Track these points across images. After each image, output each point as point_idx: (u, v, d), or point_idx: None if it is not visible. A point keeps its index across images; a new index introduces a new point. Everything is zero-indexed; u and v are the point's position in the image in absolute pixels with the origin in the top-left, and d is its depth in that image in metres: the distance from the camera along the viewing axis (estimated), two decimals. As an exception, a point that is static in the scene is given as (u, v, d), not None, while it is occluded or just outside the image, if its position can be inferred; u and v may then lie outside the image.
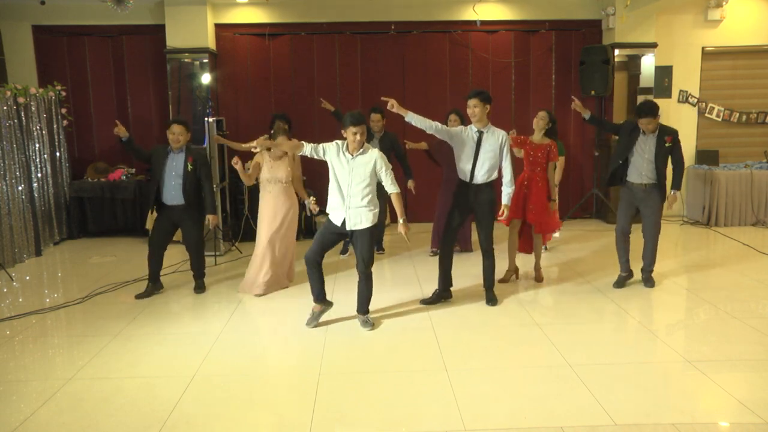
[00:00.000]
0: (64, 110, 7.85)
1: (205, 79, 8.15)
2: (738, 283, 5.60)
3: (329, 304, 4.71)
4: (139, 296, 5.39)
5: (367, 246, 4.48)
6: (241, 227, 7.44)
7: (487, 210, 4.87)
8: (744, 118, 8.69)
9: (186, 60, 8.12)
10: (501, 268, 5.85)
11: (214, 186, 6.77)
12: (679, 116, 8.66)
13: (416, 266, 6.30)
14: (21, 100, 6.94)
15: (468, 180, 4.80)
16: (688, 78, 8.60)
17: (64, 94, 7.84)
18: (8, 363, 4.09)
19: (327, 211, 4.56)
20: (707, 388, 3.53)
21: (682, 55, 8.52)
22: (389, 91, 8.49)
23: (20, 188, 6.91)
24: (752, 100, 8.68)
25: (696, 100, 8.65)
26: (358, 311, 4.67)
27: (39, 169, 7.32)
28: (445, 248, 5.06)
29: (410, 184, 6.45)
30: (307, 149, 4.46)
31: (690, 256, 6.69)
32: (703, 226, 8.12)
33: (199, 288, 5.58)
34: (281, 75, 8.50)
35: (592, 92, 8.12)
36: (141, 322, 4.79)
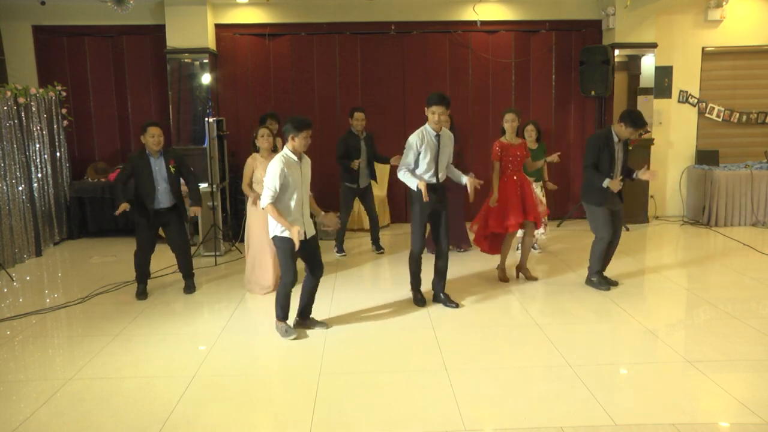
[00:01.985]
0: (64, 110, 7.86)
1: (205, 79, 8.15)
2: (738, 283, 5.60)
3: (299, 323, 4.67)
4: (140, 297, 5.42)
5: (319, 250, 4.52)
6: (241, 227, 7.43)
7: (445, 209, 4.97)
8: (744, 118, 8.69)
9: (186, 60, 8.13)
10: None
11: (214, 186, 6.79)
12: (679, 116, 8.66)
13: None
14: (21, 100, 6.94)
15: (435, 181, 4.86)
16: (688, 78, 8.60)
17: (64, 94, 7.84)
18: (8, 363, 4.09)
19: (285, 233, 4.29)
20: (707, 388, 3.53)
21: (682, 55, 8.52)
22: (389, 91, 8.54)
23: (20, 188, 6.91)
24: (752, 100, 8.68)
25: (696, 101, 8.65)
26: (306, 315, 4.65)
27: (39, 170, 7.32)
28: (419, 255, 5.07)
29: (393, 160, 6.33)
30: (275, 192, 4.20)
31: (690, 256, 6.69)
32: (703, 226, 8.12)
33: (189, 288, 5.57)
34: (281, 75, 8.50)
35: (592, 92, 8.13)
36: (141, 322, 4.79)
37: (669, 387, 3.55)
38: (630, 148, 5.32)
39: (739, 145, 8.70)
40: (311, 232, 4.44)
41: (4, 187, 6.62)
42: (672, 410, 3.25)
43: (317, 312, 4.80)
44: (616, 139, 5.21)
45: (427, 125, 4.81)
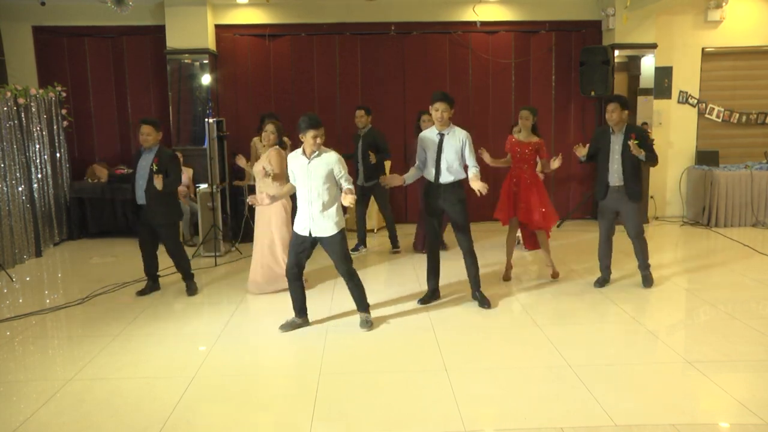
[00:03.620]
0: (64, 111, 7.86)
1: (205, 79, 8.15)
2: (738, 283, 5.60)
3: (306, 322, 4.68)
4: (139, 293, 5.46)
5: (339, 250, 4.44)
6: (241, 228, 7.44)
7: (459, 210, 4.88)
8: (744, 118, 8.69)
9: (186, 61, 8.13)
10: (500, 268, 5.86)
11: (214, 186, 6.79)
12: (679, 117, 8.67)
13: (416, 266, 6.30)
14: (21, 100, 6.94)
15: (433, 180, 4.84)
16: (688, 79, 8.60)
17: (64, 94, 7.85)
18: (8, 363, 4.09)
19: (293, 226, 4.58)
20: (707, 388, 3.53)
21: (682, 55, 8.53)
22: (389, 91, 8.54)
23: (20, 189, 6.91)
24: (752, 100, 8.69)
25: (696, 101, 8.66)
26: (358, 310, 4.67)
27: (39, 170, 7.32)
28: (433, 249, 5.08)
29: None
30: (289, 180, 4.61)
31: (690, 257, 6.69)
32: (703, 227, 8.12)
33: (190, 290, 5.56)
34: (281, 76, 8.51)
35: (592, 93, 8.13)
36: (141, 323, 4.79)
37: (669, 387, 3.55)
38: (636, 141, 5.07)
39: (739, 145, 8.71)
40: (320, 232, 4.40)
41: (4, 188, 6.62)
42: (672, 410, 3.25)
43: (317, 311, 4.80)
44: (612, 132, 5.23)
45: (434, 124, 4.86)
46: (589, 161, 5.51)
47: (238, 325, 4.71)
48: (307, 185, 4.36)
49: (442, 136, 4.80)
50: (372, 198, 7.01)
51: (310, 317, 4.74)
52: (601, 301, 5.12)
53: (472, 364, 3.92)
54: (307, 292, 5.45)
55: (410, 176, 4.94)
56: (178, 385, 3.65)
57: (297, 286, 4.57)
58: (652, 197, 8.61)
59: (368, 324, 4.56)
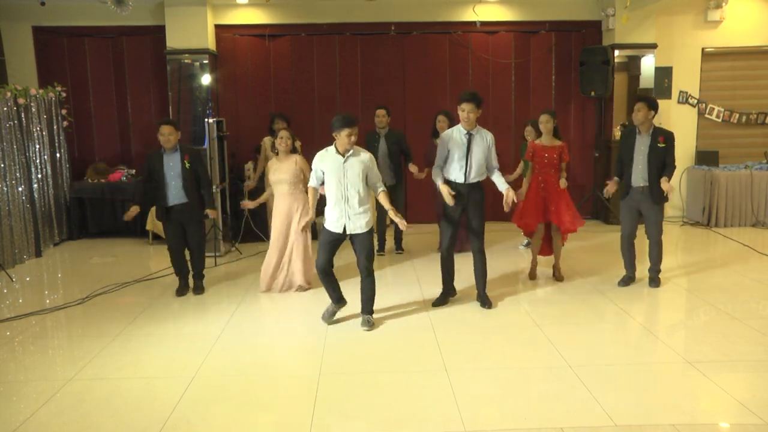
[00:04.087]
0: (64, 111, 7.86)
1: (205, 79, 8.15)
2: (738, 283, 5.60)
3: (344, 302, 4.77)
4: (178, 293, 5.52)
5: (369, 246, 4.55)
6: (241, 228, 7.44)
7: (478, 209, 4.90)
8: (744, 118, 8.69)
9: (186, 61, 8.13)
10: (499, 268, 5.87)
11: (214, 187, 6.78)
12: (679, 117, 8.66)
13: (416, 267, 6.31)
14: (21, 101, 6.95)
15: (463, 180, 4.83)
16: (688, 79, 8.60)
17: (64, 95, 7.85)
18: (8, 364, 4.09)
19: (324, 222, 4.62)
20: (707, 388, 3.53)
21: (681, 55, 8.53)
22: (389, 91, 8.54)
23: (20, 189, 6.91)
24: (752, 100, 8.69)
25: (696, 101, 8.66)
26: (363, 311, 4.67)
27: (39, 170, 7.32)
28: (450, 249, 5.05)
29: (411, 167, 6.66)
30: (315, 185, 4.67)
31: (690, 257, 6.69)
32: (703, 227, 8.12)
33: (198, 289, 5.58)
34: (281, 76, 8.51)
35: (592, 93, 8.13)
36: (141, 323, 4.79)
37: (669, 387, 3.55)
38: (662, 144, 5.11)
39: (739, 145, 8.71)
40: (355, 229, 4.48)
41: (4, 188, 6.62)
42: (672, 411, 3.25)
43: (319, 311, 4.80)
44: (638, 133, 5.23)
45: (460, 124, 4.84)
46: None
47: (238, 325, 4.71)
48: (343, 183, 4.43)
49: (470, 135, 4.80)
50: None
51: (314, 316, 4.77)
52: (601, 301, 5.12)
53: (472, 364, 3.92)
54: (309, 292, 5.50)
55: (439, 176, 4.90)
56: (178, 385, 3.65)
57: (331, 279, 4.65)
58: (652, 197, 8.60)
59: (370, 324, 4.57)
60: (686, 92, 8.64)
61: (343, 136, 4.37)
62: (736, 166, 8.29)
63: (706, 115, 8.70)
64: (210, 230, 6.81)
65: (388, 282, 5.86)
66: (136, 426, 3.20)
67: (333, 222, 4.52)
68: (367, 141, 6.70)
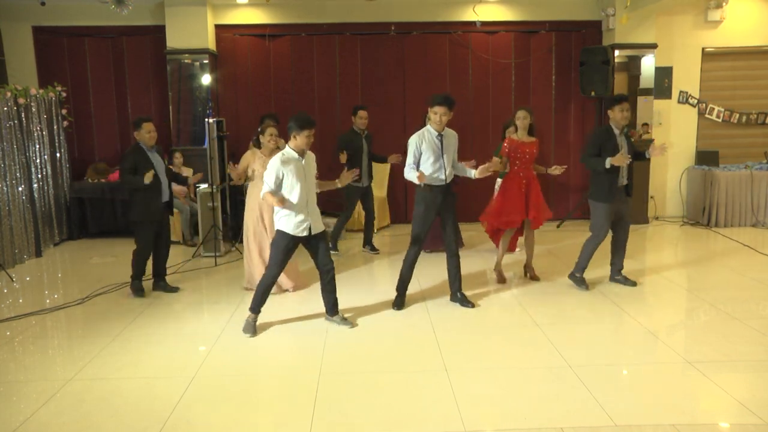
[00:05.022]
0: (64, 111, 7.86)
1: (205, 79, 8.15)
2: (738, 283, 5.60)
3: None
4: (137, 293, 5.45)
5: (327, 245, 4.61)
6: (241, 228, 7.42)
7: (453, 209, 4.95)
8: (744, 118, 8.69)
9: (186, 61, 8.13)
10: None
11: (214, 186, 6.79)
12: (679, 117, 8.67)
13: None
14: (21, 100, 6.94)
15: (444, 182, 4.85)
16: (688, 79, 8.60)
17: (64, 94, 7.84)
18: (8, 364, 4.09)
19: (281, 227, 4.45)
20: (707, 388, 3.53)
21: (682, 55, 8.53)
22: (389, 91, 8.54)
23: (20, 189, 6.91)
24: (752, 100, 8.69)
25: (696, 101, 8.66)
26: (333, 312, 4.68)
27: (39, 170, 7.32)
28: (416, 259, 5.03)
29: (391, 158, 6.79)
30: (272, 188, 4.36)
31: (690, 257, 6.69)
32: (703, 227, 8.12)
33: (168, 287, 5.58)
34: (281, 76, 8.51)
35: (592, 93, 8.13)
36: (141, 323, 4.79)
37: (669, 387, 3.55)
38: (632, 139, 5.33)
39: (739, 145, 8.71)
40: (318, 228, 4.48)
41: (4, 188, 6.62)
42: (672, 411, 3.25)
43: (318, 310, 4.80)
44: (616, 132, 5.23)
45: (428, 126, 4.84)
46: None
47: (238, 325, 4.70)
48: (305, 184, 4.39)
49: (441, 137, 4.83)
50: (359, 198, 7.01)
51: (313, 316, 4.78)
52: (601, 301, 5.12)
53: (472, 364, 3.92)
54: (308, 290, 5.49)
55: (412, 170, 4.85)
56: (178, 385, 3.65)
57: (270, 290, 4.62)
58: (652, 197, 8.61)
59: (348, 322, 4.62)
60: (686, 92, 8.64)
61: (303, 137, 4.30)
62: (736, 166, 8.29)
63: (706, 115, 8.70)
64: (210, 230, 6.81)
65: (388, 282, 5.86)
66: (136, 426, 3.20)
67: (297, 226, 4.38)
68: (347, 141, 6.68)
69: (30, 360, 4.15)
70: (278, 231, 4.44)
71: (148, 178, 5.10)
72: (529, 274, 5.80)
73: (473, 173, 4.92)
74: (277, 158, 4.34)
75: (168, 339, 4.46)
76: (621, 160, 5.07)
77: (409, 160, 4.84)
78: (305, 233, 4.41)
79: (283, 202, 4.32)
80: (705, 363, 3.84)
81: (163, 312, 5.06)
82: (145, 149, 5.31)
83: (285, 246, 4.43)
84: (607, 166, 5.11)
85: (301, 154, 4.38)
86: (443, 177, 4.83)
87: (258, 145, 5.48)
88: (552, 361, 3.93)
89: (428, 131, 4.83)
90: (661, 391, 3.49)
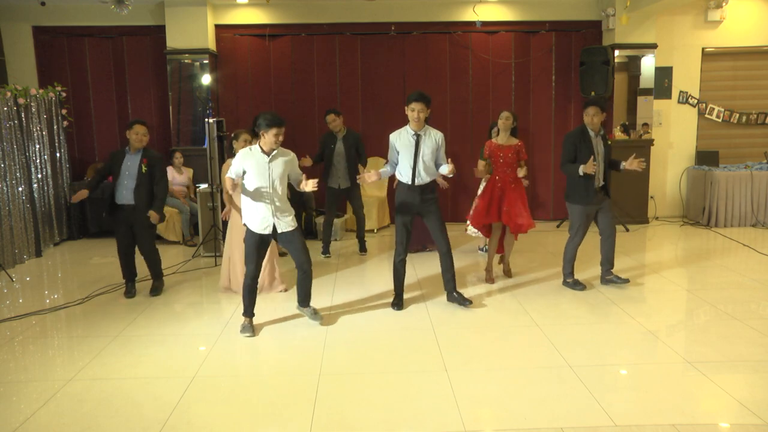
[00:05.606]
0: (64, 111, 7.86)
1: (206, 79, 8.16)
2: (738, 283, 5.60)
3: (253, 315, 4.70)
4: (126, 295, 5.47)
5: (302, 241, 4.56)
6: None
7: (435, 210, 4.87)
8: (744, 118, 8.70)
9: (186, 61, 8.13)
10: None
11: (214, 186, 6.78)
12: (679, 117, 8.67)
13: (416, 267, 6.30)
14: (21, 101, 6.95)
15: (410, 182, 4.79)
16: (688, 79, 8.61)
17: (64, 95, 7.85)
18: (8, 364, 4.09)
19: (246, 223, 4.48)
20: (707, 388, 3.53)
21: (682, 55, 8.53)
22: (389, 91, 8.54)
23: (20, 189, 6.91)
24: (752, 101, 8.69)
25: (696, 101, 8.66)
26: (306, 303, 4.72)
27: (39, 170, 7.32)
28: (404, 260, 5.00)
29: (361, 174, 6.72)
30: (233, 179, 4.46)
31: (690, 257, 6.69)
32: (703, 227, 8.13)
33: (155, 290, 5.53)
34: (281, 76, 8.51)
35: (592, 93, 8.13)
36: (141, 323, 4.79)
37: (669, 388, 3.55)
38: (609, 142, 5.31)
39: (739, 145, 8.71)
40: (283, 228, 4.45)
41: (4, 188, 6.62)
42: (672, 411, 3.25)
43: (318, 307, 4.80)
44: (591, 134, 5.21)
45: (407, 125, 4.80)
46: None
47: (238, 325, 4.70)
48: (267, 182, 4.35)
49: (418, 137, 4.75)
50: (347, 201, 7.01)
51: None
52: (601, 301, 5.12)
53: (472, 364, 3.92)
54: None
55: (385, 172, 4.91)
56: (178, 385, 3.65)
57: (255, 288, 4.59)
58: (652, 197, 8.62)
59: (319, 315, 4.66)
60: (686, 92, 8.64)
61: (270, 135, 4.28)
62: (736, 166, 8.29)
63: (706, 115, 8.70)
64: (210, 230, 6.81)
65: (388, 282, 5.86)
66: (136, 426, 3.20)
67: (258, 223, 4.40)
68: (321, 142, 6.80)
69: (30, 360, 4.15)
70: (245, 227, 4.48)
71: (75, 198, 5.35)
72: (504, 269, 5.86)
73: (445, 170, 4.77)
74: (241, 152, 4.39)
75: (168, 339, 4.46)
76: (591, 168, 5.07)
77: (390, 157, 4.85)
78: (268, 231, 4.41)
79: (233, 189, 4.48)
80: (705, 363, 3.84)
81: (163, 312, 5.06)
82: (126, 152, 5.33)
83: (254, 243, 4.45)
84: (581, 173, 5.11)
85: (268, 153, 4.34)
86: (409, 178, 4.76)
87: (233, 157, 5.44)
88: (552, 361, 3.93)
89: (405, 130, 4.79)
90: (661, 392, 3.49)
